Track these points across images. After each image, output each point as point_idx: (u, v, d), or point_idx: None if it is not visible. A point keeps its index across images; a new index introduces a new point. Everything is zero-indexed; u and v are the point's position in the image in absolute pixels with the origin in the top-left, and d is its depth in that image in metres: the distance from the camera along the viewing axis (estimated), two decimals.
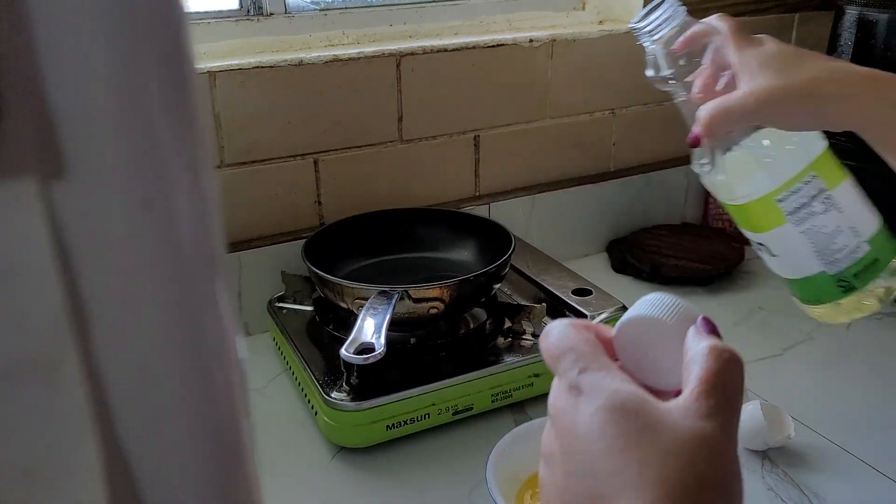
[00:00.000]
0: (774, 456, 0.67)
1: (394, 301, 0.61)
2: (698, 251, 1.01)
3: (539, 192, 1.00)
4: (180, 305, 0.15)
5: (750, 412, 0.66)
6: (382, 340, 0.56)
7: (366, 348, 0.56)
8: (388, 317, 0.59)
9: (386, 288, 0.65)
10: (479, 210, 0.97)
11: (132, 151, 0.14)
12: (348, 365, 0.65)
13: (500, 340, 0.75)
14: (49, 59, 0.12)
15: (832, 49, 0.92)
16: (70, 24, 0.13)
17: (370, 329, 0.58)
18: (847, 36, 0.89)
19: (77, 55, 0.13)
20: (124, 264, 0.14)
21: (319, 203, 0.89)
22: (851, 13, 0.88)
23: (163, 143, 0.14)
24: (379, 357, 0.55)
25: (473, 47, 0.92)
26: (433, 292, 0.68)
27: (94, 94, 0.13)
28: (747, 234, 0.58)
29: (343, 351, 0.57)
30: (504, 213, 0.97)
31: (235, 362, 0.17)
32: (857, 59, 0.89)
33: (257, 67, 0.81)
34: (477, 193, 0.98)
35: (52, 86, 0.12)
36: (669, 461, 0.28)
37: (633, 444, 0.29)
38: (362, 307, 0.66)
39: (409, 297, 0.66)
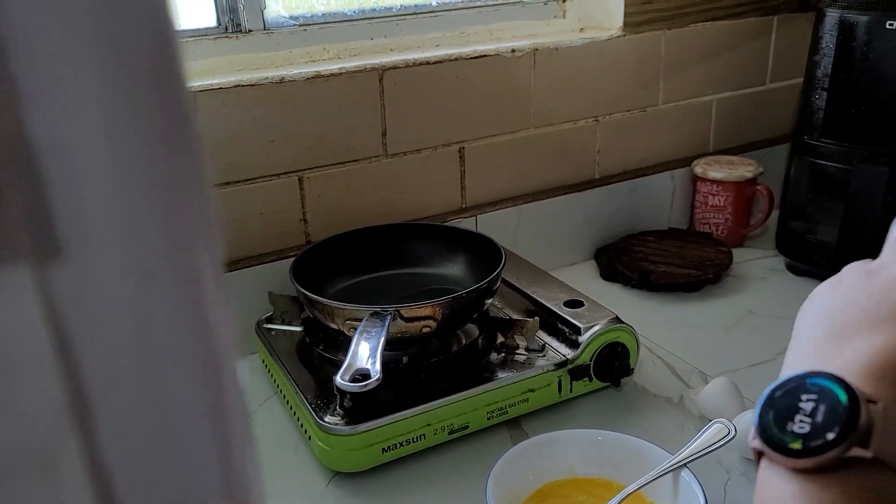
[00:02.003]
0: None
1: (387, 323, 0.60)
2: (686, 256, 1.00)
3: (525, 203, 1.00)
4: (194, 383, 0.14)
5: (748, 421, 0.65)
6: (378, 367, 0.55)
7: (361, 374, 0.55)
8: (382, 340, 0.58)
9: (378, 308, 0.64)
10: (467, 222, 0.96)
11: (130, 221, 0.13)
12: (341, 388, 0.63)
13: (494, 356, 0.74)
14: (41, 134, 0.11)
15: (814, 52, 0.92)
16: (63, 98, 0.12)
17: (365, 354, 0.57)
18: (828, 39, 0.89)
19: (69, 129, 0.12)
20: (128, 344, 0.13)
21: (305, 221, 0.87)
22: (832, 16, 0.88)
23: (164, 206, 0.13)
24: (375, 384, 0.54)
25: (456, 59, 0.91)
26: (425, 311, 0.67)
27: (87, 166, 0.12)
28: None
29: (338, 379, 0.55)
30: (491, 224, 0.96)
31: (247, 435, 0.16)
32: (838, 61, 0.89)
33: (238, 86, 0.80)
34: (463, 205, 0.97)
35: (45, 164, 0.11)
36: None
37: None
38: (354, 328, 0.65)
39: (402, 316, 0.65)
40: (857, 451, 0.33)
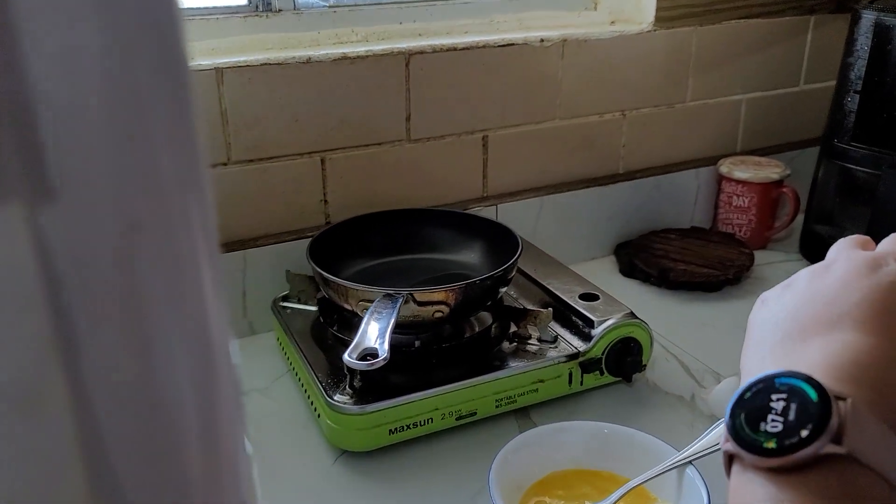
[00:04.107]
0: None
1: (398, 305, 0.61)
2: (707, 256, 1.00)
3: (547, 194, 1.00)
4: (176, 329, 0.14)
5: None
6: (386, 346, 0.55)
7: (369, 354, 0.55)
8: (392, 321, 0.58)
9: (390, 291, 0.64)
10: (487, 211, 0.96)
11: (123, 172, 0.13)
12: (351, 368, 0.64)
13: (506, 345, 0.74)
14: (36, 74, 0.12)
15: (848, 54, 0.90)
16: (59, 35, 0.12)
17: (374, 334, 0.57)
18: (863, 41, 0.88)
19: (67, 69, 0.12)
20: (114, 289, 0.13)
21: (325, 202, 0.88)
22: (868, 18, 0.87)
23: (156, 162, 0.13)
24: (382, 363, 0.54)
25: (484, 46, 0.91)
26: (438, 296, 0.67)
27: (83, 111, 0.12)
28: None
29: (346, 356, 0.56)
30: (512, 214, 0.96)
31: (232, 382, 0.17)
32: (872, 64, 0.87)
33: (265, 64, 0.80)
34: (484, 194, 0.97)
35: (40, 104, 0.12)
36: None
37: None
38: (367, 309, 0.65)
39: (414, 300, 0.66)
40: (831, 448, 0.33)
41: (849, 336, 0.38)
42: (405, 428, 0.66)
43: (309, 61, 0.82)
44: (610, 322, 0.73)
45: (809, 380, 0.35)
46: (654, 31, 1.00)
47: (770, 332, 0.42)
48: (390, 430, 0.66)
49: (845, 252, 0.44)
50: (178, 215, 0.14)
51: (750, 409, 0.36)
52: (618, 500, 0.59)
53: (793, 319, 0.41)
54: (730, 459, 0.37)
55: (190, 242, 0.14)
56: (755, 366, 0.41)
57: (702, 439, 0.61)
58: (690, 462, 0.59)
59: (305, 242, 0.78)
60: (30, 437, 0.13)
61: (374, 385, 0.66)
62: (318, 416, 0.68)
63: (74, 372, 0.13)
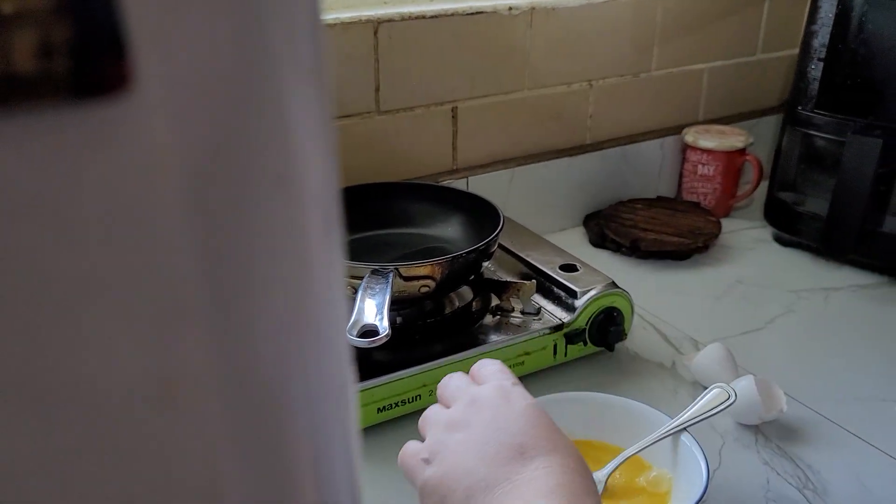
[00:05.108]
0: (767, 430, 0.67)
1: (390, 280, 0.59)
2: (675, 225, 1.00)
3: (518, 166, 0.98)
4: (305, 289, 0.13)
5: (744, 387, 0.66)
6: (386, 323, 0.54)
7: (369, 331, 0.53)
8: (388, 297, 0.56)
9: (377, 266, 0.62)
10: (458, 184, 0.94)
11: (270, 126, 0.11)
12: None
13: (488, 319, 0.73)
14: (165, 30, 0.10)
15: (811, 21, 0.92)
16: None
17: (371, 310, 0.55)
18: (827, 8, 0.89)
19: (195, 29, 0.10)
20: (257, 245, 0.12)
21: None
22: None
23: (297, 120, 0.12)
24: (385, 340, 0.52)
25: (452, 14, 0.89)
26: (425, 270, 0.65)
27: (225, 65, 0.10)
28: None
29: (346, 334, 0.54)
30: (482, 186, 0.95)
31: (347, 347, 0.15)
32: (836, 32, 0.89)
33: None
34: (455, 167, 0.96)
35: (190, 53, 0.10)
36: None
37: (550, 427, 0.47)
38: (350, 286, 0.63)
39: (400, 275, 0.64)
40: None
41: (547, 460, 0.43)
42: (394, 406, 0.65)
43: None
44: (593, 292, 0.73)
45: None
46: None
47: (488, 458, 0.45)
48: (378, 409, 0.64)
49: (474, 389, 0.49)
50: (312, 170, 0.12)
51: None
52: (614, 469, 0.59)
53: (499, 446, 0.44)
54: None
55: (319, 196, 0.13)
56: (494, 472, 0.43)
57: (693, 406, 0.62)
58: (685, 429, 0.59)
59: None
60: (171, 432, 0.11)
61: (360, 364, 0.64)
62: None
63: (218, 356, 0.11)
